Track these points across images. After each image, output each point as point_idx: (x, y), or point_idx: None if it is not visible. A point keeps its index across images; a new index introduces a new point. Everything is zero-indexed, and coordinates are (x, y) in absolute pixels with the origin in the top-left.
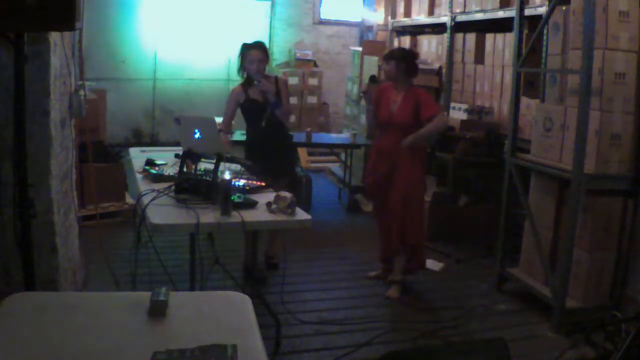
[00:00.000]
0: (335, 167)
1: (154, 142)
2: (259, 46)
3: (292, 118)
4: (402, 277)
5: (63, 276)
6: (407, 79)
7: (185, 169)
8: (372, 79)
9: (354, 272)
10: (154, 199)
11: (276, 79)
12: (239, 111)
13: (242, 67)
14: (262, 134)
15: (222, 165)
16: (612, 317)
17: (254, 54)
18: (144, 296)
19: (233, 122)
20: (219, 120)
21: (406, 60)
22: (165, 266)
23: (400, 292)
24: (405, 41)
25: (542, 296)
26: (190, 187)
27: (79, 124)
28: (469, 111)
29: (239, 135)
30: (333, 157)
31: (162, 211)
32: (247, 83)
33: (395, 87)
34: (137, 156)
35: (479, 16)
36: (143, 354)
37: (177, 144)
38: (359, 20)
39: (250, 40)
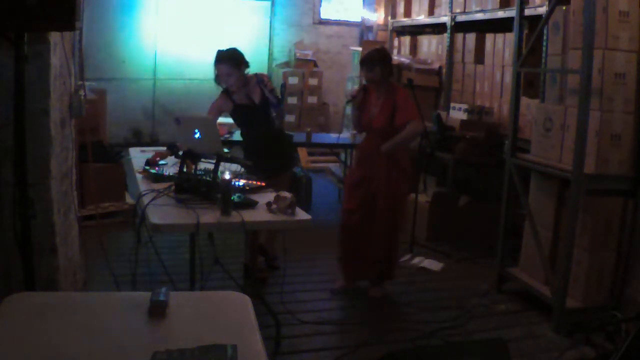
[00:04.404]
0: (335, 167)
1: (153, 142)
2: (224, 58)
3: (292, 118)
4: (382, 288)
5: (63, 276)
6: (387, 80)
7: (185, 169)
8: (365, 88)
9: None
10: (154, 199)
11: (257, 79)
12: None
13: (218, 76)
14: (256, 135)
15: (222, 165)
16: (612, 317)
17: (219, 69)
18: (144, 296)
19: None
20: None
21: (388, 62)
22: (165, 266)
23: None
24: (405, 41)
25: (542, 296)
26: (190, 187)
27: (79, 124)
28: (469, 111)
29: (239, 135)
30: (333, 157)
31: (162, 211)
32: (226, 91)
33: (376, 91)
34: (137, 156)
35: (479, 16)
36: (143, 354)
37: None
38: (359, 20)
39: (250, 39)
